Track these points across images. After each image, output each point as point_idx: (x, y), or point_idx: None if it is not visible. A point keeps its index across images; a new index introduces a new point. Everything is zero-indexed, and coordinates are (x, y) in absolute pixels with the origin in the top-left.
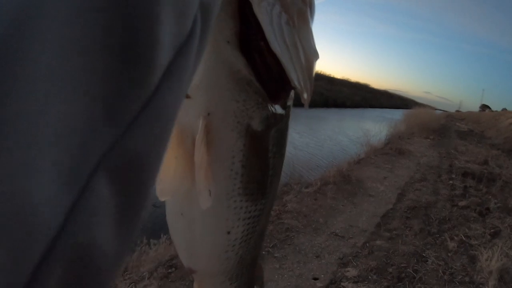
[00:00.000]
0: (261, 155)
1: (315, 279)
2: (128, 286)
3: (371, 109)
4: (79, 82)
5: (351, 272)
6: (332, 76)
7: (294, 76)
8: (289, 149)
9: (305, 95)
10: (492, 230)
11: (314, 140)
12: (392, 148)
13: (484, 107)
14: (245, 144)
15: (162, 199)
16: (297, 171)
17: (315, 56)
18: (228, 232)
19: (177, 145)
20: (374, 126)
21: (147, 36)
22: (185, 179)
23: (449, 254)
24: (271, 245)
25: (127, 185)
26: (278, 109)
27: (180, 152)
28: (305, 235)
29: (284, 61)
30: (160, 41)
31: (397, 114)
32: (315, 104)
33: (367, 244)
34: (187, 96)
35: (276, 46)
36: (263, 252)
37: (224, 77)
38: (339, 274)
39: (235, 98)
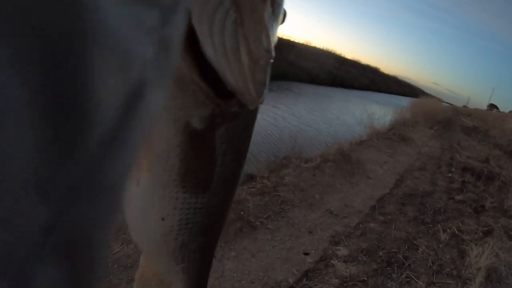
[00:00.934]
0: (204, 151)
1: (306, 254)
2: (120, 246)
3: (379, 93)
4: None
5: (342, 251)
6: (342, 55)
7: (230, 79)
8: (293, 123)
9: (247, 96)
10: (485, 228)
11: (318, 118)
12: (395, 134)
13: (492, 106)
14: (183, 140)
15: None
16: (299, 145)
17: (264, 56)
18: (163, 219)
19: None
20: (380, 110)
21: None
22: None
23: (440, 245)
24: (265, 216)
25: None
26: (227, 108)
27: None
28: (300, 210)
29: (216, 65)
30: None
31: (404, 101)
32: (322, 82)
33: (360, 225)
34: None
35: (209, 48)
36: (257, 223)
37: None
38: (330, 251)
39: (172, 96)
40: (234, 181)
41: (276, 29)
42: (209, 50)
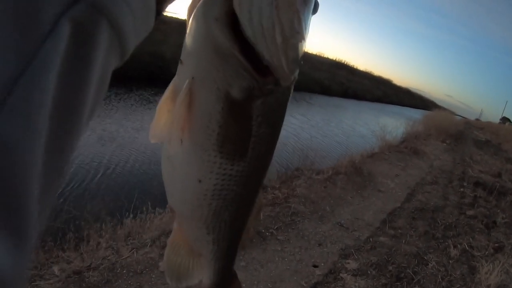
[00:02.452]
0: (241, 121)
1: (315, 266)
2: (130, 251)
3: (391, 105)
4: None
5: (351, 264)
6: (355, 66)
7: (266, 55)
8: (305, 134)
9: (280, 71)
10: (496, 244)
11: (330, 129)
12: (407, 147)
13: (505, 119)
14: (223, 108)
15: (152, 141)
16: (311, 156)
17: (294, 36)
18: (200, 181)
19: (170, 100)
20: (392, 122)
21: None
22: (173, 129)
23: (450, 261)
24: (275, 227)
25: None
26: (264, 83)
27: (172, 106)
28: (310, 222)
29: (254, 42)
30: None
31: (416, 114)
32: (334, 93)
33: (371, 239)
34: (181, 62)
35: (246, 25)
36: (267, 233)
37: (208, 49)
38: (339, 264)
39: (215, 67)
40: (267, 156)
41: (308, 15)
42: (248, 29)
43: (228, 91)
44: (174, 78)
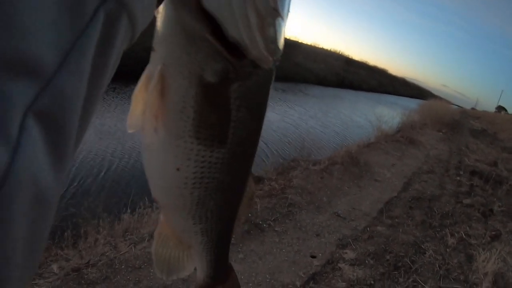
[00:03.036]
0: (217, 105)
1: (313, 257)
2: (128, 247)
3: (387, 95)
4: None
5: (349, 254)
6: (350, 57)
7: (235, 33)
8: (301, 125)
9: (257, 53)
10: (493, 233)
11: (326, 119)
12: (403, 136)
13: (501, 108)
14: (197, 93)
15: (130, 131)
16: (307, 147)
17: (271, 13)
18: (178, 169)
19: (145, 89)
20: (388, 112)
21: None
22: (146, 117)
23: (447, 250)
24: (272, 219)
25: (55, 124)
26: (241, 66)
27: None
28: (307, 212)
29: (220, 19)
30: None
31: (412, 103)
32: (330, 83)
33: (368, 229)
34: (153, 49)
35: (215, 7)
36: (264, 225)
37: (176, 32)
38: (337, 255)
39: (186, 52)
40: (250, 141)
41: None
42: (215, 8)
43: (201, 75)
44: (147, 66)
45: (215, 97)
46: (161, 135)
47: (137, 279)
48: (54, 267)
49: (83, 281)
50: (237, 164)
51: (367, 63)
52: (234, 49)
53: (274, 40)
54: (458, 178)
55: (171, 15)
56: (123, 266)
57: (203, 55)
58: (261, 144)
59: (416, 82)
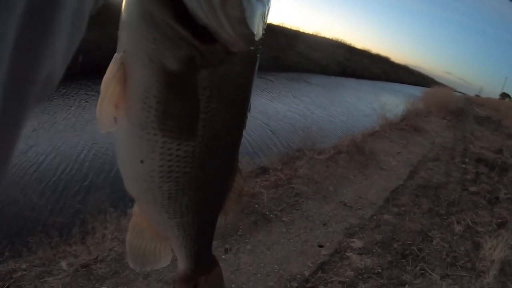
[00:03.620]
0: (183, 95)
1: (320, 246)
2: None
3: (390, 82)
4: None
5: (356, 243)
6: (352, 45)
7: (198, 13)
8: (306, 114)
9: (223, 35)
10: (499, 220)
11: (330, 108)
12: (408, 124)
13: (505, 95)
14: (159, 81)
15: (99, 121)
16: (311, 137)
17: None
18: (142, 161)
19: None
20: (392, 100)
21: None
22: (108, 107)
23: (454, 238)
24: (279, 209)
25: None
26: (210, 51)
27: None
28: (314, 202)
29: (187, 3)
30: None
31: (416, 91)
32: (332, 72)
33: (375, 217)
34: (118, 37)
35: None
36: (271, 216)
37: (136, 17)
38: (345, 244)
39: (145, 37)
40: (229, 136)
41: None
42: None
43: (163, 63)
44: (115, 55)
45: (179, 86)
46: (124, 126)
47: (146, 273)
48: (63, 264)
49: (92, 277)
50: (214, 159)
51: (369, 51)
52: (203, 33)
53: (242, 21)
54: (463, 165)
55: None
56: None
57: (164, 41)
58: (268, 133)
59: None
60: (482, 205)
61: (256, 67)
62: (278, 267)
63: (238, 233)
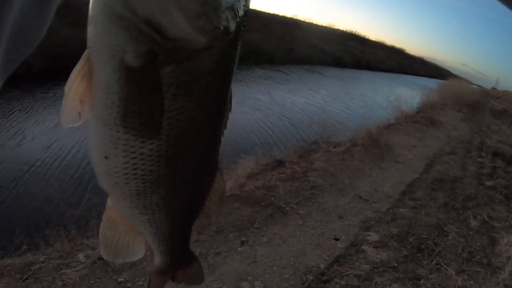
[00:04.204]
0: (145, 92)
1: (336, 239)
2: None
3: (405, 75)
4: None
5: (372, 236)
6: (366, 37)
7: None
8: (322, 107)
9: (173, 28)
10: None
11: (345, 101)
12: (424, 117)
13: None
14: (121, 77)
15: (65, 127)
16: (328, 129)
17: None
18: (106, 157)
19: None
20: (407, 93)
21: None
22: (73, 102)
23: (470, 232)
24: (295, 202)
25: None
26: (173, 47)
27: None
28: (329, 195)
29: None
30: None
31: (431, 83)
32: (347, 64)
33: (391, 211)
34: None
35: None
36: (287, 208)
37: (99, 13)
38: (360, 237)
39: (107, 33)
40: (200, 134)
41: None
42: None
43: (124, 58)
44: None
45: (141, 83)
46: (91, 121)
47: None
48: (81, 256)
49: (109, 269)
50: (184, 159)
51: (384, 43)
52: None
53: (202, 13)
54: (480, 159)
55: None
56: (148, 252)
57: (125, 36)
58: (286, 125)
59: (434, 62)
60: (498, 200)
61: (233, 63)
62: (294, 259)
63: (255, 225)
